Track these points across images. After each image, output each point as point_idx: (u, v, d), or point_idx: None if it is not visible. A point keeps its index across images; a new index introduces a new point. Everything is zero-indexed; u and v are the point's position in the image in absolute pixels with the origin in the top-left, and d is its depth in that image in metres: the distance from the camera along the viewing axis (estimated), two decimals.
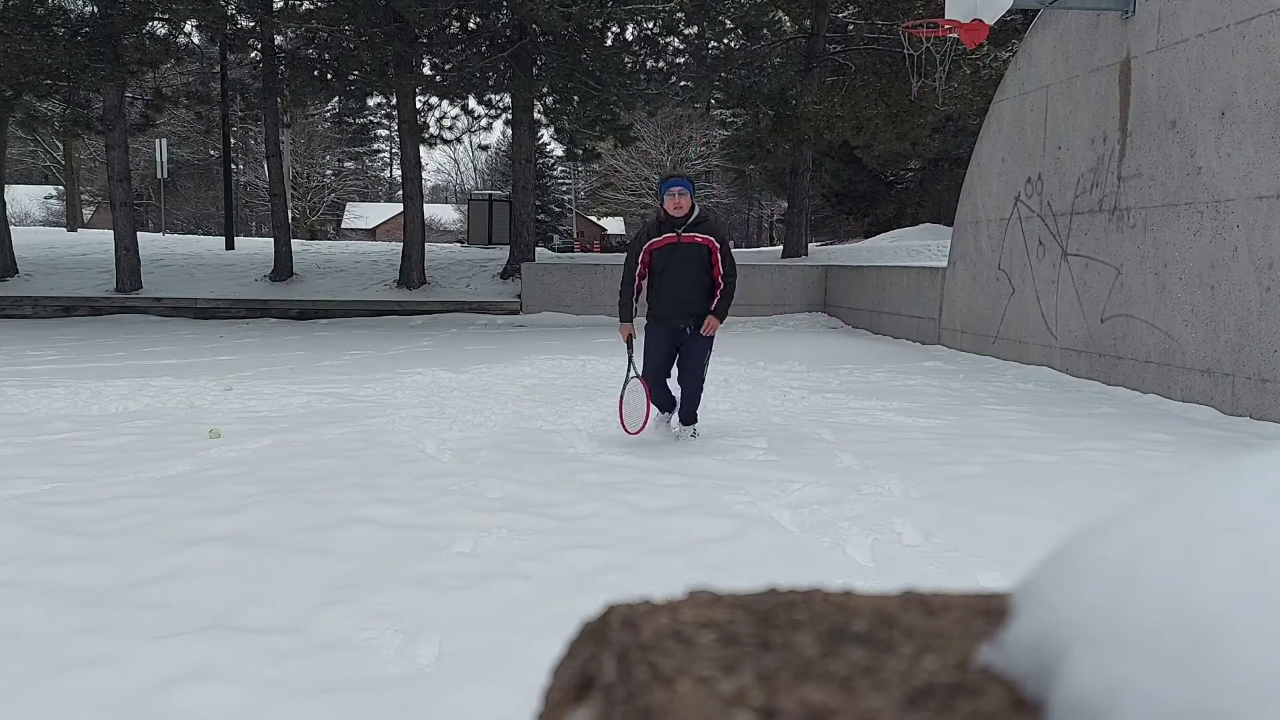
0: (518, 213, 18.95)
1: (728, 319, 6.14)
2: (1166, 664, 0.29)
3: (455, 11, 17.34)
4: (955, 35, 9.70)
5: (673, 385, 6.05)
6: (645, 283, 5.89)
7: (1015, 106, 10.46)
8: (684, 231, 5.64)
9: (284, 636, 2.91)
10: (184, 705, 2.48)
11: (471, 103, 20.16)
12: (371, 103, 21.86)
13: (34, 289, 16.91)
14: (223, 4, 16.35)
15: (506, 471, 5.07)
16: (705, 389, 6.16)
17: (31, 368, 9.57)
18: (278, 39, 18.21)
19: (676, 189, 5.63)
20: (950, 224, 14.01)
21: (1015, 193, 10.41)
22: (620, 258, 22.30)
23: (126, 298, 16.68)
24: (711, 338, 5.84)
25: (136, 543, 3.79)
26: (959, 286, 11.65)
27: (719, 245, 5.71)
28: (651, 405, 5.76)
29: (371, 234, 52.28)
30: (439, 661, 2.77)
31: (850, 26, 21.26)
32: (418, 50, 17.38)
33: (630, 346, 5.87)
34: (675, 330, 5.79)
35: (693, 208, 5.67)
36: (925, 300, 12.60)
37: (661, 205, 5.74)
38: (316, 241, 30.38)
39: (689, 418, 5.98)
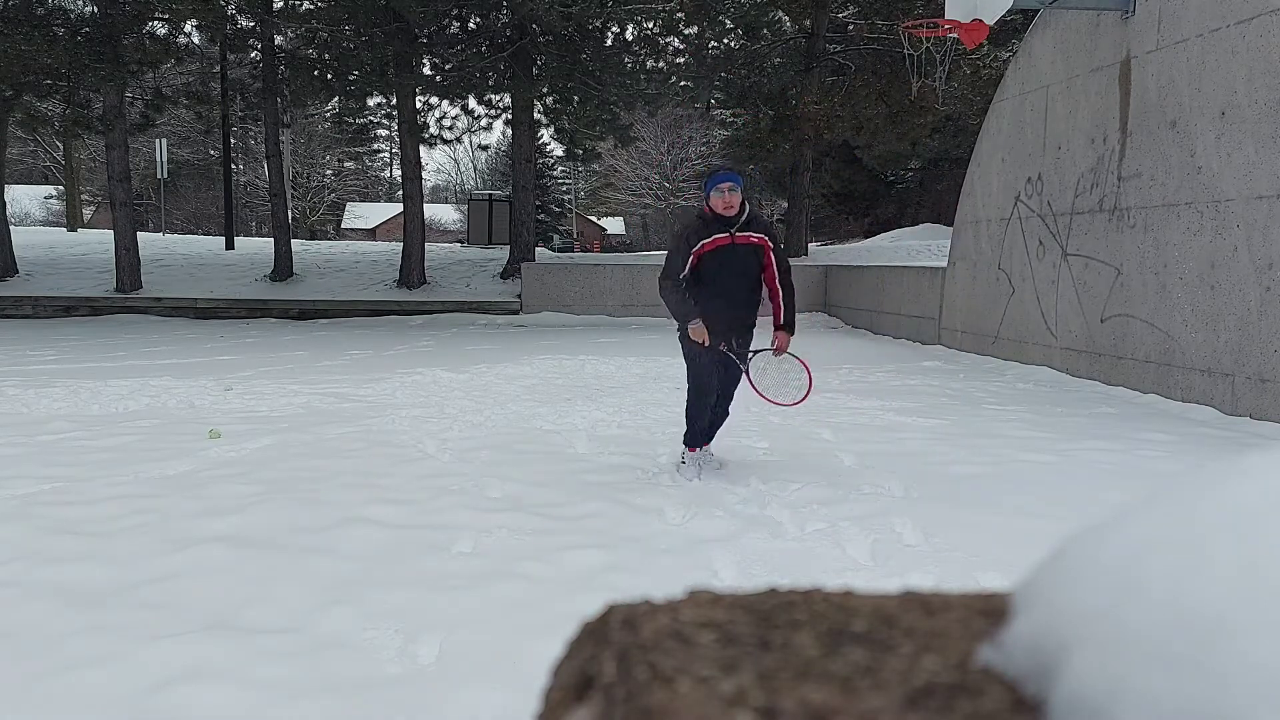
0: (518, 213, 18.95)
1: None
2: (1165, 664, 0.29)
3: (455, 11, 17.34)
4: (955, 35, 9.70)
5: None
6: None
7: (1015, 106, 10.46)
8: (738, 231, 4.94)
9: (284, 636, 2.91)
10: (184, 705, 2.48)
11: (471, 103, 20.16)
12: (371, 103, 21.86)
13: (34, 289, 16.91)
14: (223, 4, 16.35)
15: (506, 471, 5.07)
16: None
17: (31, 368, 9.56)
18: (278, 39, 18.21)
19: (727, 184, 4.88)
20: (950, 224, 14.01)
21: (1015, 192, 10.41)
22: (626, 258, 22.23)
23: (126, 298, 16.68)
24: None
25: (136, 543, 3.79)
26: (959, 286, 11.64)
27: (772, 244, 5.03)
28: (763, 396, 5.30)
29: (371, 234, 52.26)
30: (439, 661, 2.77)
31: (850, 26, 21.26)
32: (418, 50, 17.38)
33: (706, 338, 4.96)
34: (725, 345, 5.08)
35: (744, 204, 4.96)
36: (925, 300, 12.60)
37: (707, 204, 4.97)
38: (316, 241, 30.38)
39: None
